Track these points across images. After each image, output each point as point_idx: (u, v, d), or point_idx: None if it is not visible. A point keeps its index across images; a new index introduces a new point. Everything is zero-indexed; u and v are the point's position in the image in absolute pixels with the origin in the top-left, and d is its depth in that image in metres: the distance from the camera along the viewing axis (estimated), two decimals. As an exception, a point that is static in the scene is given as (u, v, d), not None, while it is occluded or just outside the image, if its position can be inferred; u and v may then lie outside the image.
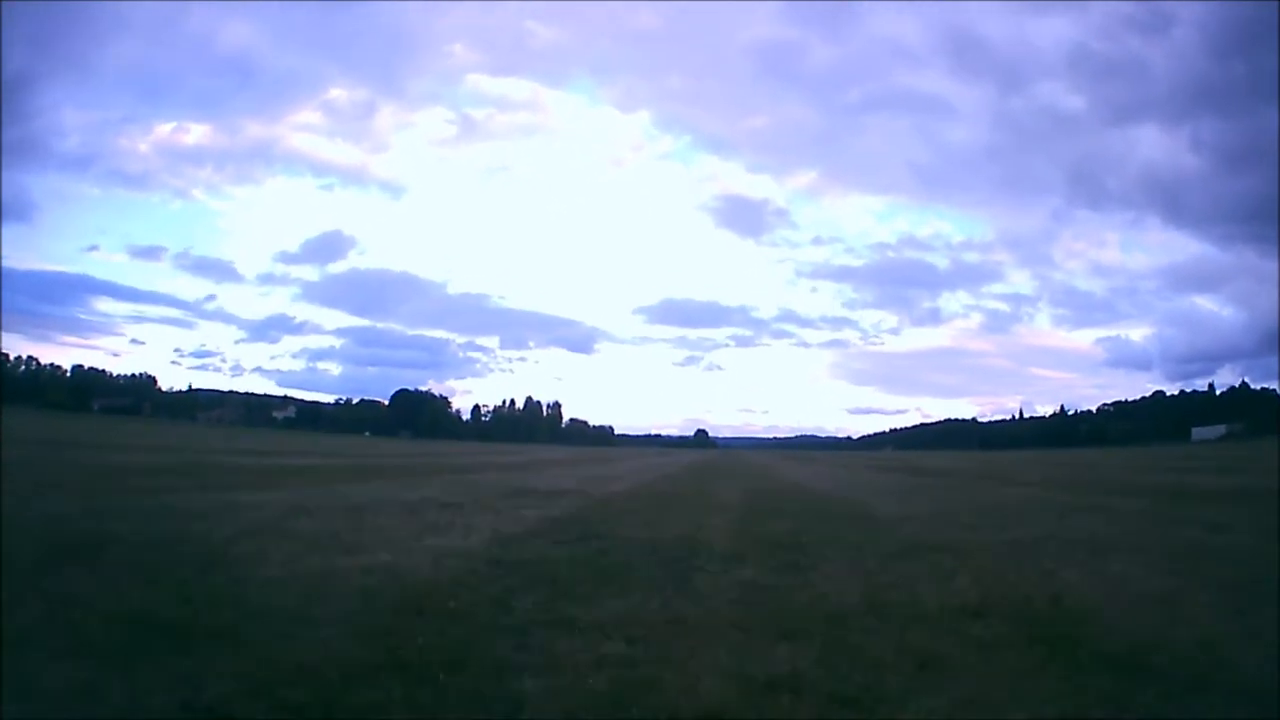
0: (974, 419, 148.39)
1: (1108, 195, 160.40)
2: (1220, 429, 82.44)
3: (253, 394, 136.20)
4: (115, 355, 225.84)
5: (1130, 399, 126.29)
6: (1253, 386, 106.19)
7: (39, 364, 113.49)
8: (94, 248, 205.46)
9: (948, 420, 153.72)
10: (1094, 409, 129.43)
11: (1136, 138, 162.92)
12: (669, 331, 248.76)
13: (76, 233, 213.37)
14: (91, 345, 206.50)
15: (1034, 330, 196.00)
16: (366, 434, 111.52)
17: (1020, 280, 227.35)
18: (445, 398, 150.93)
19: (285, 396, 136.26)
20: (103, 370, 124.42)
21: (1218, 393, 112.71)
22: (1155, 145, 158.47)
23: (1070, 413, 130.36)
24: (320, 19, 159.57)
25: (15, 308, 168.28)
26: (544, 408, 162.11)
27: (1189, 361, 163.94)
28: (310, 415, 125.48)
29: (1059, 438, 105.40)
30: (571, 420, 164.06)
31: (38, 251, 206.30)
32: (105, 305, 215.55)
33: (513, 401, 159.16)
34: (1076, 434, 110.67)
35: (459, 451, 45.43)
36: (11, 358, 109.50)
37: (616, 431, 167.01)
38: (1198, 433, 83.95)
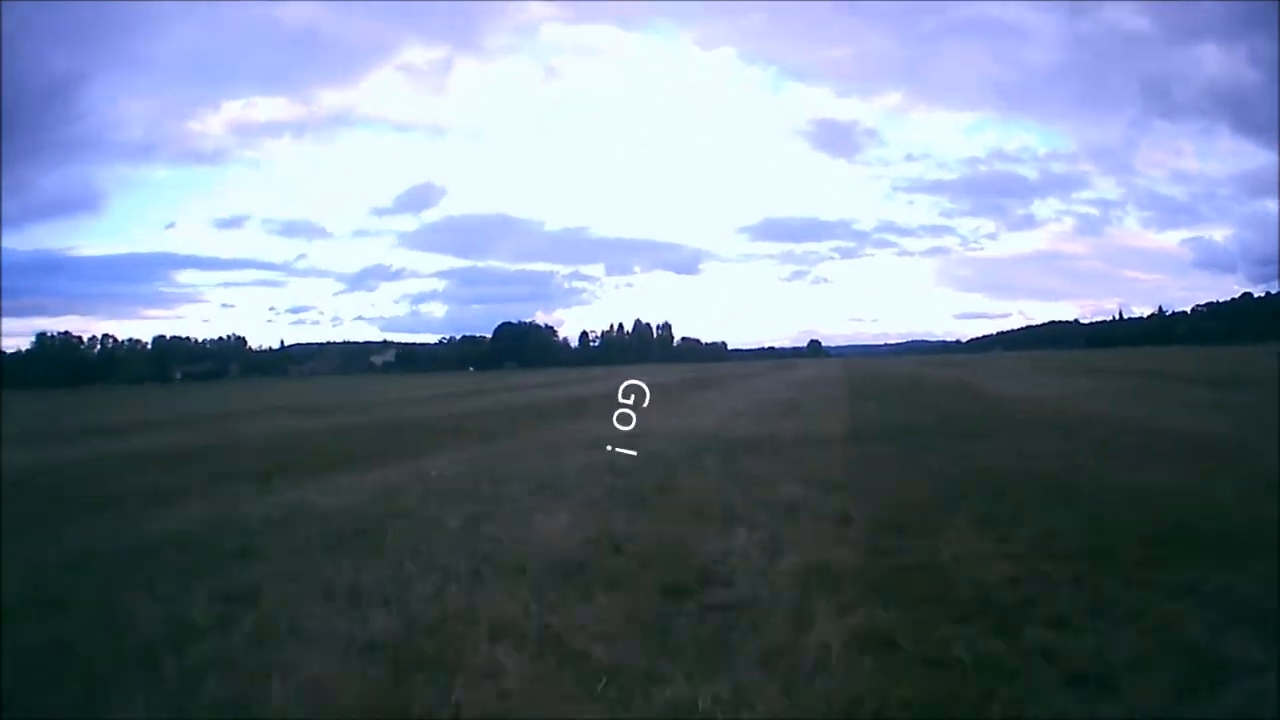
0: (1076, 320, 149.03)
1: (1179, 106, 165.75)
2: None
3: (350, 342, 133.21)
4: (205, 321, 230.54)
5: (1221, 300, 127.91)
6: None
7: (115, 340, 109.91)
8: (172, 225, 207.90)
9: (1051, 322, 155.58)
10: (1188, 310, 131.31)
11: (1199, 54, 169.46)
12: (773, 248, 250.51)
13: (154, 214, 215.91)
14: (177, 316, 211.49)
15: (1124, 231, 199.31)
16: (470, 370, 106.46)
17: (1106, 187, 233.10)
18: (551, 327, 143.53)
19: (385, 341, 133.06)
20: (186, 338, 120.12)
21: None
22: (1216, 61, 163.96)
23: (1168, 314, 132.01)
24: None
25: (90, 293, 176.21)
26: (654, 329, 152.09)
27: (1267, 264, 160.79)
28: (409, 357, 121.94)
29: (1158, 338, 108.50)
30: (683, 339, 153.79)
31: (113, 237, 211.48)
32: (189, 277, 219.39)
33: (621, 325, 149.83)
34: (1175, 334, 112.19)
35: (514, 385, 34.64)
36: (85, 339, 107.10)
37: (730, 348, 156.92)
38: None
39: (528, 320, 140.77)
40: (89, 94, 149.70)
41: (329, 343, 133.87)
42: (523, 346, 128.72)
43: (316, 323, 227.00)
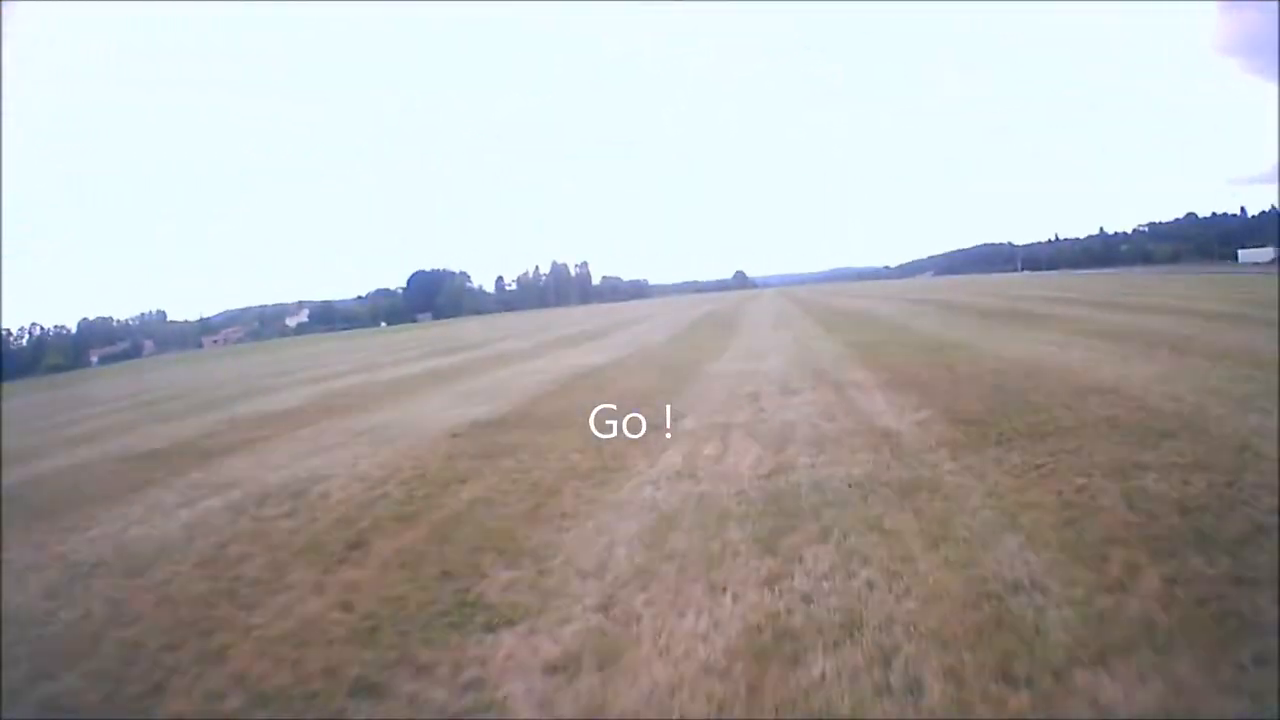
0: (1009, 242, 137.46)
1: None
2: (1270, 251, 76.22)
3: (265, 305, 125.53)
4: (124, 297, 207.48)
5: (1164, 220, 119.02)
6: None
7: (43, 329, 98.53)
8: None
9: (984, 245, 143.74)
10: (1129, 230, 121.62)
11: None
12: (687, 174, 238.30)
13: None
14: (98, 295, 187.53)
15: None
16: (382, 325, 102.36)
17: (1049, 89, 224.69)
18: (464, 274, 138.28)
19: (299, 302, 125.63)
20: (109, 318, 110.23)
21: (1249, 215, 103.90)
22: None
23: (1109, 234, 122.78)
24: None
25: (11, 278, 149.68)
26: (571, 268, 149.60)
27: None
28: (325, 315, 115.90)
29: (1100, 260, 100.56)
30: (604, 279, 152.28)
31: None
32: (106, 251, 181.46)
33: (537, 268, 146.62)
34: (1118, 255, 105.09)
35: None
36: (15, 331, 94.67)
37: (652, 283, 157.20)
38: (1245, 255, 79.89)
39: (440, 268, 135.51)
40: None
41: (246, 308, 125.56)
42: (437, 296, 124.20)
43: (232, 286, 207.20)
